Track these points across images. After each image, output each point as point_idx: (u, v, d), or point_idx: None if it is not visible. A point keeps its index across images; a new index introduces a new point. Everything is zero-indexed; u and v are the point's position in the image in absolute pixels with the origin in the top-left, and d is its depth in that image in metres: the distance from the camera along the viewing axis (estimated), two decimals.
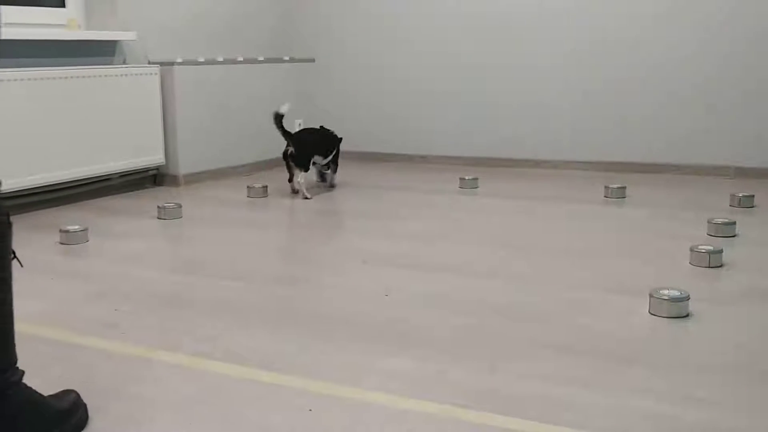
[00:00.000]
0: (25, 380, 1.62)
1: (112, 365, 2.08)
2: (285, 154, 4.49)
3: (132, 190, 4.70)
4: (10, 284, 1.57)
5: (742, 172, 4.94)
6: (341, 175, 5.11)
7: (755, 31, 4.82)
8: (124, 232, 3.66)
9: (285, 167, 4.55)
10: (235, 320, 2.42)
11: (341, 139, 4.77)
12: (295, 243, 3.47)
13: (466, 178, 4.75)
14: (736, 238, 3.42)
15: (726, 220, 3.47)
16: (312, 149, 4.54)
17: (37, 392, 1.64)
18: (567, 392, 1.88)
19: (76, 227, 3.47)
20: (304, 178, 4.44)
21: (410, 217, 3.94)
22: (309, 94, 6.06)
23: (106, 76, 4.40)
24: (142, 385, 1.93)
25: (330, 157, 4.69)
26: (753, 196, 4.09)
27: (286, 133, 4.46)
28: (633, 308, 2.48)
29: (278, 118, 4.44)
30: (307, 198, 4.42)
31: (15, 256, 1.58)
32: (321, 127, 4.77)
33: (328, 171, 4.79)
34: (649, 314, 2.43)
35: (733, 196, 4.10)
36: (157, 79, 4.72)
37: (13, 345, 1.59)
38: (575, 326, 2.34)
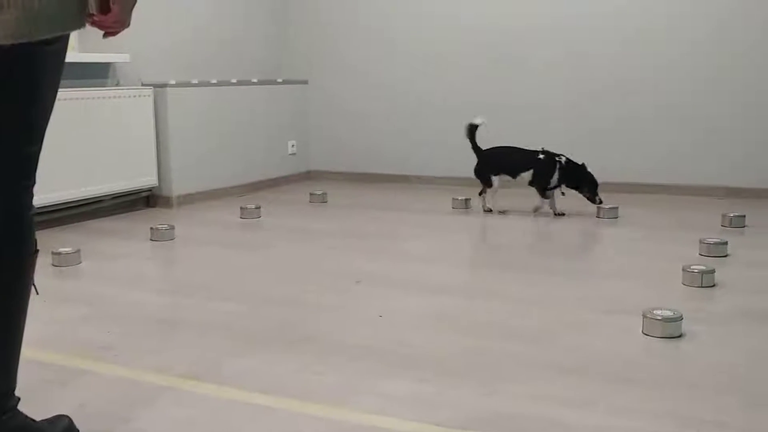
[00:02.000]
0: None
1: (105, 388, 2.06)
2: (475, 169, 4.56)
3: (125, 212, 4.69)
4: (26, 313, 1.58)
5: (733, 192, 4.96)
6: (342, 196, 5.12)
7: (744, 52, 4.86)
8: (117, 254, 3.65)
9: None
10: (228, 342, 2.41)
11: (546, 160, 4.40)
12: (289, 264, 3.46)
13: (459, 198, 4.76)
14: (727, 258, 3.43)
15: (718, 240, 3.49)
16: (493, 167, 4.48)
17: (30, 418, 1.63)
18: (562, 413, 1.87)
19: (69, 249, 3.46)
20: (489, 193, 4.54)
21: (404, 237, 3.94)
22: (303, 115, 6.08)
23: (99, 98, 4.41)
24: (136, 409, 1.92)
25: (530, 179, 4.42)
26: (744, 216, 4.10)
27: (475, 147, 4.51)
28: (627, 328, 2.49)
29: (471, 130, 4.48)
30: (488, 211, 4.53)
31: (33, 285, 1.59)
32: (541, 148, 4.46)
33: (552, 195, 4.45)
34: (642, 334, 2.43)
35: (724, 216, 4.12)
36: (150, 100, 4.73)
37: (16, 371, 1.59)
38: (570, 347, 2.34)
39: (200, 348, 2.36)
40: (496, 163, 4.49)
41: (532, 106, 5.42)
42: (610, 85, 5.20)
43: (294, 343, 2.40)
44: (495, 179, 4.48)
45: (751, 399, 1.96)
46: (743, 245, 3.66)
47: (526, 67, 5.41)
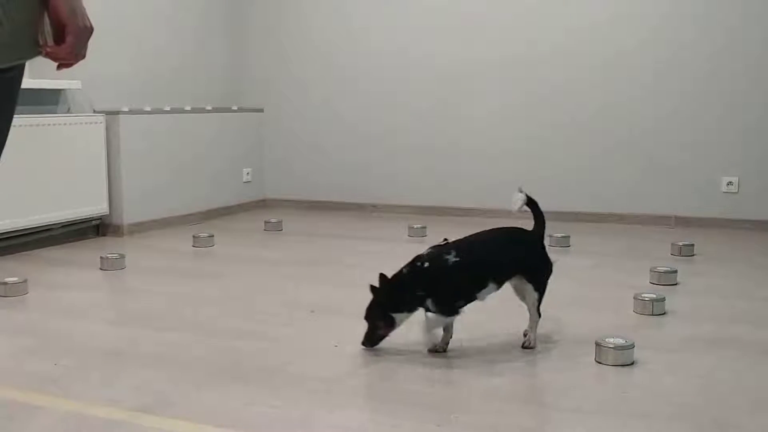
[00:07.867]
0: None
1: (52, 423, 2.00)
2: None
3: (74, 241, 4.60)
4: None
5: (683, 222, 5.06)
6: (298, 225, 5.09)
7: (693, 85, 5.00)
8: (65, 284, 3.57)
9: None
10: (179, 374, 2.37)
11: None
12: (242, 293, 3.42)
13: (415, 226, 4.77)
14: (677, 286, 3.49)
15: (668, 269, 3.55)
16: None
17: None
18: None
19: (16, 279, 3.38)
20: None
21: (359, 266, 3.92)
22: (258, 143, 6.06)
23: (50, 124, 4.33)
24: None
25: None
26: (693, 245, 4.19)
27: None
28: (579, 356, 2.51)
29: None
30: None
31: None
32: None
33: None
34: (595, 362, 2.45)
35: (674, 245, 4.20)
36: (102, 128, 4.67)
37: None
38: (523, 375, 2.35)
39: (151, 381, 2.31)
40: None
41: (486, 137, 5.48)
42: (563, 120, 5.29)
43: (248, 375, 2.36)
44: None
45: (703, 426, 1.98)
46: (692, 273, 3.72)
47: (481, 100, 5.48)
